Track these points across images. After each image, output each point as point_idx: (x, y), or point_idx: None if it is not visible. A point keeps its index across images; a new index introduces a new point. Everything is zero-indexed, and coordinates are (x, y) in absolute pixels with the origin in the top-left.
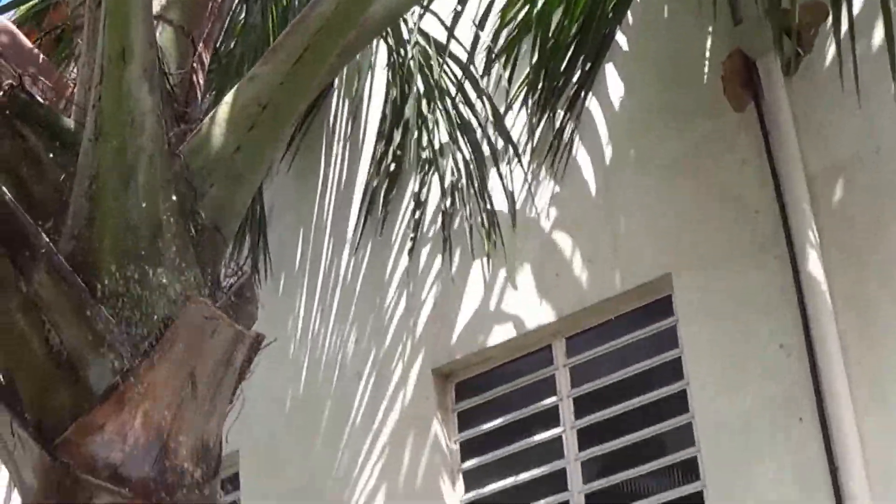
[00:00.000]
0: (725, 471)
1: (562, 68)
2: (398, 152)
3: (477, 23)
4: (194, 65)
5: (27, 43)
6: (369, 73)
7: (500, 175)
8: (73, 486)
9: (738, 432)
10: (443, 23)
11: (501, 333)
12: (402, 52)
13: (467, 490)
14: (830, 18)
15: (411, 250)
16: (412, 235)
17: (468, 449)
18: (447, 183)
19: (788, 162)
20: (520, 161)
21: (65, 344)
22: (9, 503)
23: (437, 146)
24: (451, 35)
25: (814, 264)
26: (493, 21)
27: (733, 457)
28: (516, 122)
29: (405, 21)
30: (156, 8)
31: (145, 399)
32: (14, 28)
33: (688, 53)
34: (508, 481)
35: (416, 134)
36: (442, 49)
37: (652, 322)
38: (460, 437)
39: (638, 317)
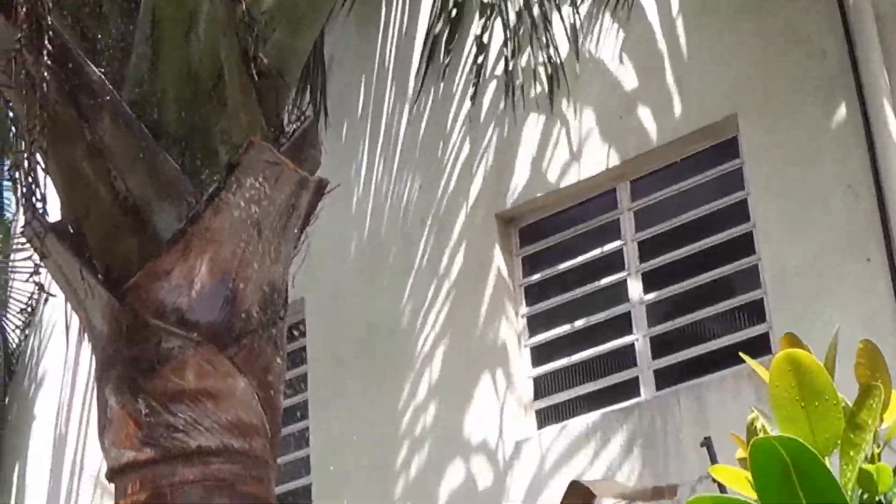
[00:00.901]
0: (791, 313)
1: None
2: None
3: None
4: None
5: None
6: None
7: (563, 18)
8: (141, 330)
9: (805, 274)
10: None
11: (565, 177)
12: None
13: (532, 334)
14: None
15: (473, 96)
16: (474, 81)
17: (532, 294)
18: (510, 27)
19: (857, 1)
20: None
21: (131, 191)
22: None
23: None
24: None
25: (882, 104)
26: None
27: (799, 298)
28: None
29: None
30: None
31: (211, 244)
32: None
33: None
34: (573, 325)
35: None
36: None
37: (717, 164)
38: (524, 281)
39: (703, 159)
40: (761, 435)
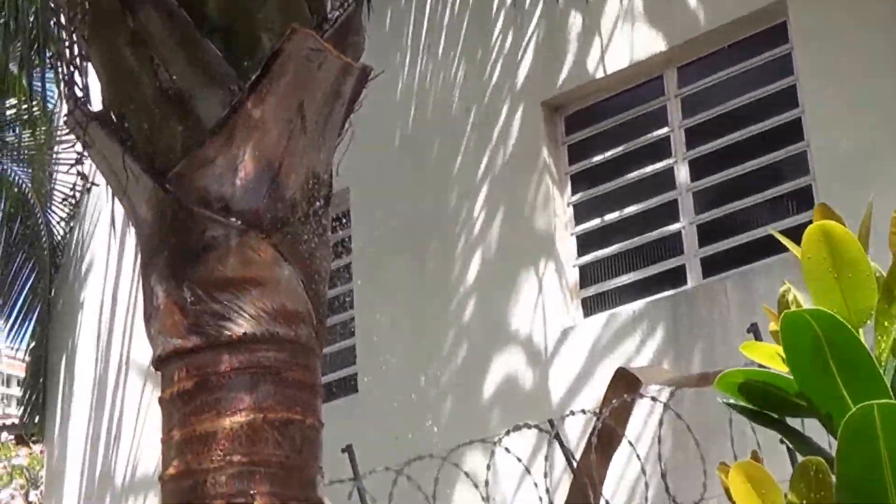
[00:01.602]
0: (840, 199)
1: None
2: None
3: None
4: None
5: None
6: None
7: None
8: (186, 218)
9: (855, 161)
10: None
11: (611, 63)
12: None
13: (577, 223)
14: None
15: None
16: None
17: (578, 182)
18: None
19: None
20: None
21: (174, 79)
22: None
23: None
24: None
25: None
26: None
27: (848, 184)
28: None
29: None
30: None
31: (254, 132)
32: None
33: None
34: (619, 213)
35: None
36: None
37: (766, 49)
38: (570, 170)
39: (752, 44)
40: (793, 308)
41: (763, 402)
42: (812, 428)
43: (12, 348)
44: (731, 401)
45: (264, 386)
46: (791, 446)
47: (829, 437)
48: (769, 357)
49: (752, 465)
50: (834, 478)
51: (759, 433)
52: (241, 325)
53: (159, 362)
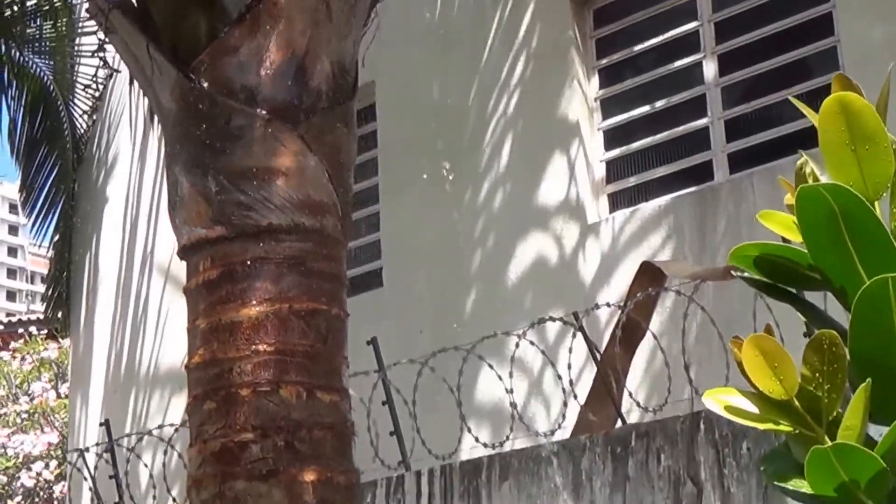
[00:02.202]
0: (868, 95)
1: None
2: None
3: None
4: None
5: None
6: None
7: None
8: (210, 107)
9: (885, 55)
10: None
11: None
12: None
13: (605, 117)
14: None
15: None
16: None
17: (606, 76)
18: None
19: None
20: None
21: None
22: None
23: None
24: None
25: None
26: None
27: (879, 80)
28: None
29: None
30: None
31: (279, 21)
32: None
33: None
34: (646, 108)
35: None
36: None
37: None
38: (598, 63)
39: None
40: (810, 181)
41: (777, 275)
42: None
43: (36, 244)
44: (746, 274)
45: (290, 276)
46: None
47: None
48: (786, 227)
49: (765, 338)
50: (847, 351)
51: (783, 327)
52: (266, 216)
53: (184, 252)
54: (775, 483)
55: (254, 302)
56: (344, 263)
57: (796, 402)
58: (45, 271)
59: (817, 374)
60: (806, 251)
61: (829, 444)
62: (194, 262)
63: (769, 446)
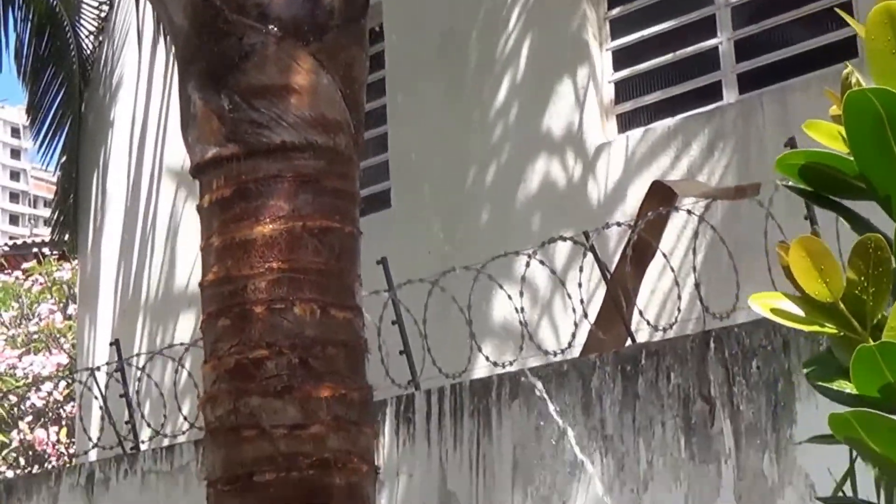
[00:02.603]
0: None
1: None
2: None
3: None
4: None
5: None
6: None
7: None
8: (223, 25)
9: None
10: None
11: None
12: None
13: (614, 37)
14: None
15: None
16: None
17: None
18: None
19: None
20: None
21: None
22: None
23: None
24: None
25: None
26: None
27: None
28: None
29: None
30: None
31: None
32: None
33: None
34: (656, 28)
35: None
36: None
37: None
38: None
39: None
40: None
41: (822, 184)
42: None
43: (41, 168)
44: (790, 183)
45: (303, 194)
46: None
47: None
48: (830, 137)
49: (812, 239)
50: (892, 256)
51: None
52: (279, 133)
53: (197, 170)
54: (819, 384)
55: (267, 220)
56: (357, 182)
57: (841, 306)
58: (49, 195)
59: (862, 278)
60: (851, 159)
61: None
62: (207, 181)
63: (778, 366)
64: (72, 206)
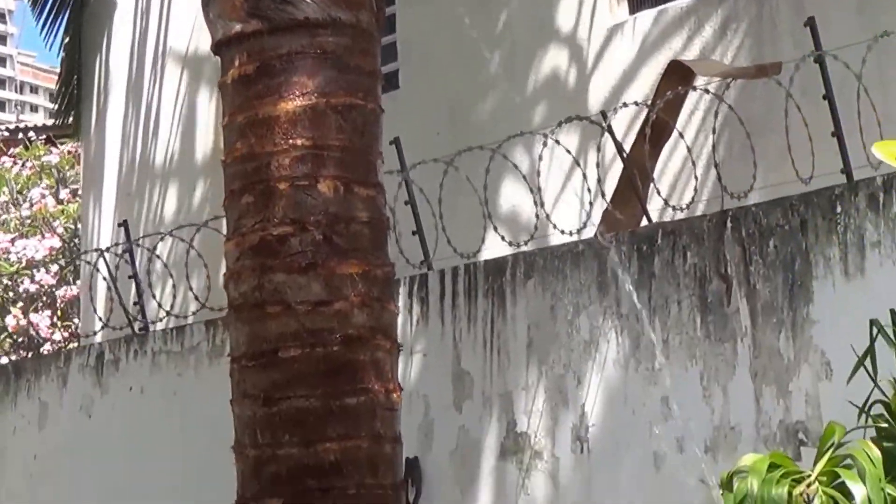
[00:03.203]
0: None
1: None
2: None
3: None
4: None
5: None
6: None
7: None
8: None
9: None
10: None
11: None
12: None
13: None
14: None
15: None
16: None
17: None
18: None
19: None
20: None
21: None
22: None
23: None
24: None
25: None
26: None
27: None
28: None
29: None
30: None
31: None
32: None
33: None
34: None
35: None
36: None
37: None
38: None
39: None
40: None
41: None
42: None
43: (46, 47)
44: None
45: (326, 70)
46: None
47: None
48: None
49: None
50: None
51: (812, 127)
52: (302, 9)
53: (218, 47)
54: None
55: (290, 96)
56: (378, 59)
57: None
58: (35, 81)
59: None
60: None
61: None
62: (230, 57)
63: (795, 245)
64: (76, 87)
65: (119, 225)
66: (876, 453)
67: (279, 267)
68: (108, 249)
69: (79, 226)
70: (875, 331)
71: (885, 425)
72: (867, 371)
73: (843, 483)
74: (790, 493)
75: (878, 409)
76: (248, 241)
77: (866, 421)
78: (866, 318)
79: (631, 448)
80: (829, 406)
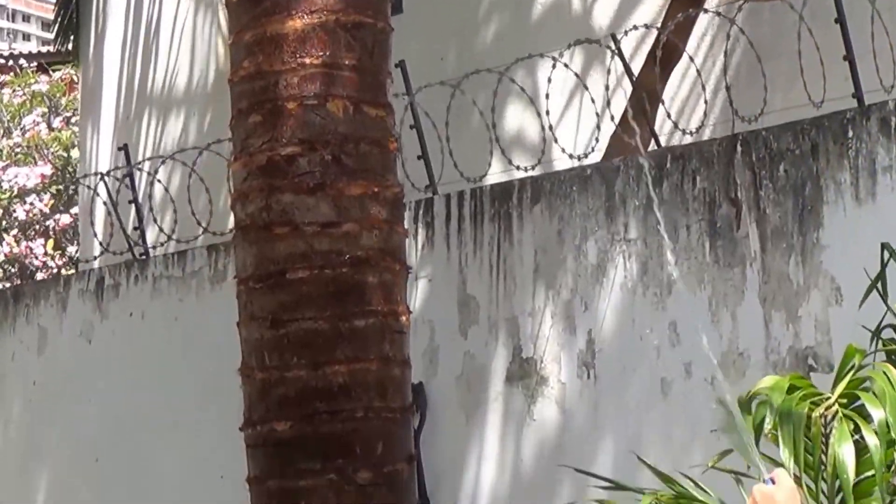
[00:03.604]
0: None
1: None
2: None
3: None
4: None
5: None
6: None
7: None
8: None
9: None
10: None
11: None
12: None
13: None
14: None
15: None
16: None
17: None
18: None
19: None
20: None
21: None
22: None
23: None
24: None
25: None
26: None
27: None
28: None
29: None
30: None
31: None
32: None
33: None
34: None
35: None
36: None
37: None
38: None
39: None
40: None
41: None
42: None
43: None
44: None
45: None
46: None
47: None
48: None
49: None
50: None
51: (824, 51)
52: None
53: None
54: None
55: (299, 14)
56: None
57: None
58: (26, 9)
59: None
60: None
61: None
62: None
63: (806, 169)
64: (74, 11)
65: (119, 149)
66: (895, 375)
67: (287, 187)
68: (108, 173)
69: (72, 153)
70: (887, 255)
71: None
72: (880, 294)
73: (860, 406)
74: (808, 416)
75: (889, 333)
76: (256, 161)
77: (877, 345)
78: (877, 243)
79: (638, 373)
80: (839, 331)
